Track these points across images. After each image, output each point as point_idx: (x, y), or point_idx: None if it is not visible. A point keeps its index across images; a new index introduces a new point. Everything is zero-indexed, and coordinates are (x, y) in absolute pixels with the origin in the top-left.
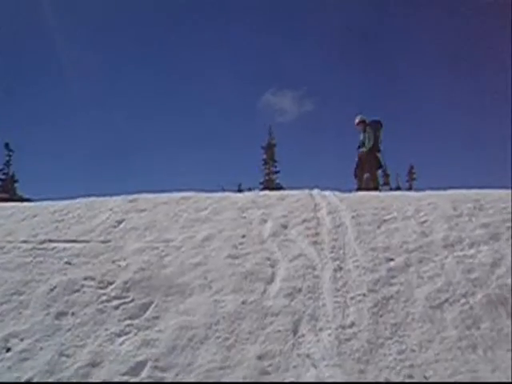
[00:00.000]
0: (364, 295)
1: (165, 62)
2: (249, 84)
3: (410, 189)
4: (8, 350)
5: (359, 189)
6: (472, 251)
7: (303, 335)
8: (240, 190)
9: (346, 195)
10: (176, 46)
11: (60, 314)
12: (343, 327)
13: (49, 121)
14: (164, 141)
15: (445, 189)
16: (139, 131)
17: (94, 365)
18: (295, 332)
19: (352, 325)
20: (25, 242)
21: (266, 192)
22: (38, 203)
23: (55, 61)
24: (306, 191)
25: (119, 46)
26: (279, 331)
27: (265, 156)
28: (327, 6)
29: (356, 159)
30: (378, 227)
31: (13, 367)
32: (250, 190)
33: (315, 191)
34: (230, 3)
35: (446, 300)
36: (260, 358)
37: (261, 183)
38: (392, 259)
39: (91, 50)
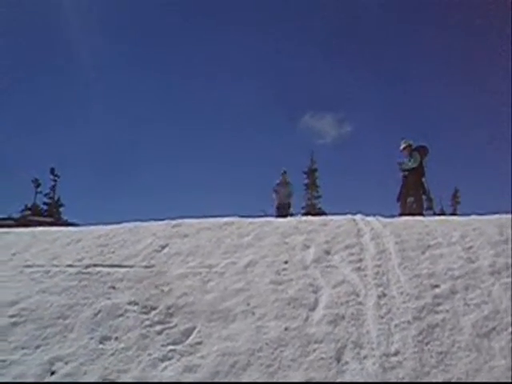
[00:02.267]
0: (409, 323)
1: (202, 87)
2: (287, 107)
3: (454, 213)
4: (52, 373)
5: (403, 214)
6: None
7: (347, 363)
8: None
9: (389, 220)
10: (211, 66)
11: (104, 339)
12: (387, 355)
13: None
14: (205, 163)
15: (490, 213)
16: (178, 152)
17: None
18: (339, 359)
19: (397, 353)
20: (70, 266)
21: (309, 217)
22: (82, 228)
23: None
24: (349, 216)
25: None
26: (322, 358)
27: (307, 181)
28: (357, 23)
29: (401, 183)
30: (423, 253)
31: None
32: (292, 215)
33: (358, 216)
34: (269, 24)
35: (494, 328)
36: None
37: (302, 208)
38: (437, 286)
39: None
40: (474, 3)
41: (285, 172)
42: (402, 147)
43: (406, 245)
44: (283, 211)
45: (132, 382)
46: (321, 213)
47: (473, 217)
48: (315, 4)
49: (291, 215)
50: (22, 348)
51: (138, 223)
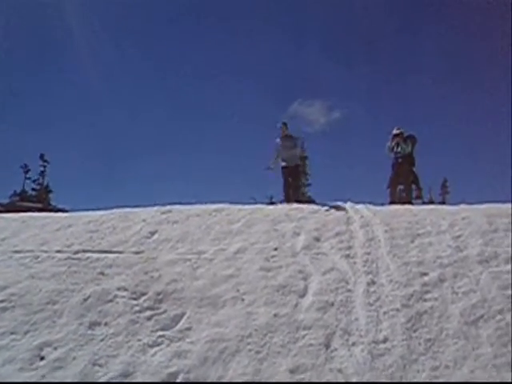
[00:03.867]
0: (397, 310)
1: (191, 72)
2: (276, 95)
3: (443, 203)
4: (42, 358)
5: (392, 201)
6: (508, 267)
7: (336, 349)
8: (272, 203)
9: (379, 208)
10: (198, 55)
11: (93, 324)
12: (376, 342)
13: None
14: (194, 149)
15: (479, 203)
16: (169, 139)
17: (126, 375)
18: (327, 346)
19: (385, 340)
20: (59, 251)
21: (299, 205)
22: (72, 214)
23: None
24: (340, 204)
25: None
26: (311, 345)
27: None
28: (355, 17)
29: (391, 170)
30: (412, 241)
31: (47, 376)
32: (281, 202)
33: (348, 204)
34: (255, 12)
35: (482, 316)
36: (292, 371)
37: None
38: (426, 274)
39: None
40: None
41: (285, 124)
42: (395, 132)
43: (396, 233)
44: (292, 176)
45: (132, 382)
46: (310, 201)
47: (462, 206)
48: None
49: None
50: (11, 333)
51: (127, 209)
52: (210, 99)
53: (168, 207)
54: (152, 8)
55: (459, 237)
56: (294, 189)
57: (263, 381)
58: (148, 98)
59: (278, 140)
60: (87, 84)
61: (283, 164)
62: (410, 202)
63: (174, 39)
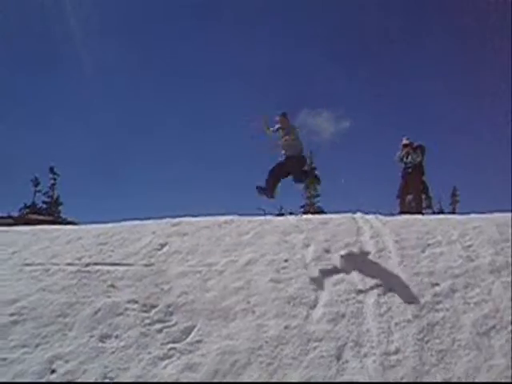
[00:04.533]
0: (409, 321)
1: (194, 83)
2: (281, 103)
3: (453, 212)
4: (53, 371)
5: (402, 211)
6: None
7: (347, 361)
8: (281, 214)
9: (388, 219)
10: (205, 64)
11: (104, 337)
12: (388, 354)
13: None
14: (203, 163)
15: (490, 212)
16: (174, 148)
17: None
18: (339, 358)
19: (397, 351)
20: (70, 264)
21: (309, 216)
22: (82, 226)
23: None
24: (349, 215)
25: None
26: (323, 357)
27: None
28: (358, 24)
29: (401, 180)
30: (422, 251)
31: None
32: (291, 213)
33: (358, 215)
34: (257, 18)
35: (494, 327)
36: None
37: (301, 207)
38: (437, 284)
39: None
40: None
41: (284, 115)
42: (404, 142)
43: (406, 243)
44: (300, 166)
45: (131, 382)
46: (320, 211)
47: (472, 215)
48: (314, 2)
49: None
50: (22, 346)
51: (137, 222)
52: (212, 106)
53: (177, 219)
54: (152, 6)
55: (470, 246)
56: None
57: None
58: (150, 103)
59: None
60: (87, 86)
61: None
62: (420, 212)
63: (176, 42)
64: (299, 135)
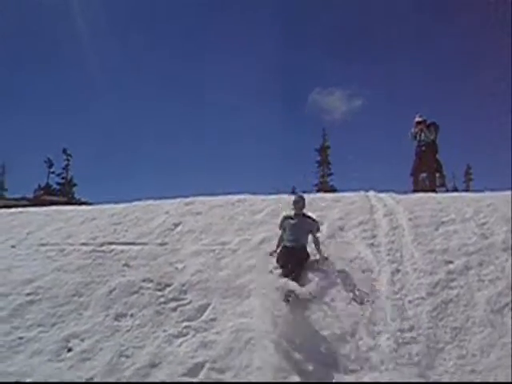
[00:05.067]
0: (423, 298)
1: (208, 67)
2: (293, 83)
3: (467, 190)
4: (69, 350)
5: (415, 189)
6: None
7: (361, 339)
8: (294, 193)
9: (402, 197)
10: (215, 45)
11: (119, 316)
12: (402, 331)
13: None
14: (218, 143)
15: (504, 189)
16: (191, 132)
17: (152, 366)
18: (353, 335)
19: (411, 329)
20: (84, 244)
21: (322, 194)
22: (96, 206)
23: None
24: (362, 193)
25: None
26: (337, 334)
27: (319, 158)
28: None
29: (414, 158)
30: (436, 229)
31: (74, 366)
32: (304, 192)
33: (371, 193)
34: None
35: (507, 304)
36: (317, 361)
37: (314, 185)
38: (451, 262)
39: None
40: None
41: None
42: (417, 120)
43: (420, 221)
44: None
45: (130, 382)
46: (333, 190)
47: (486, 193)
48: None
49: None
50: (39, 325)
51: (150, 202)
52: (229, 89)
53: (191, 198)
54: (158, 6)
55: (484, 224)
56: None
57: (288, 370)
58: (161, 90)
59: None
60: (92, 78)
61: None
62: (433, 190)
63: (184, 32)
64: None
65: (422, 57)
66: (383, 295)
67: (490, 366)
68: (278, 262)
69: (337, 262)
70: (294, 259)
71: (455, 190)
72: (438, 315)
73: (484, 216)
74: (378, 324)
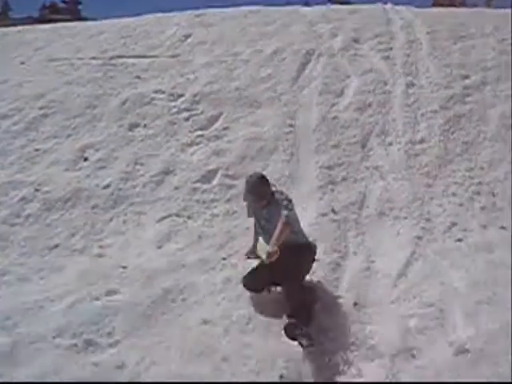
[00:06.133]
0: (436, 112)
1: None
2: None
3: (488, 6)
4: (85, 159)
5: (436, 4)
6: None
7: (372, 148)
8: (307, 4)
9: (420, 10)
10: None
11: (132, 126)
12: (413, 142)
13: None
14: None
15: None
16: None
17: (167, 173)
18: (364, 145)
19: (422, 141)
20: (94, 58)
21: (336, 6)
22: (103, 21)
23: None
24: (379, 5)
25: None
26: (348, 144)
27: None
28: None
29: None
30: (454, 43)
31: (91, 175)
32: (317, 4)
33: (388, 5)
34: None
35: None
36: (329, 168)
37: None
38: (467, 77)
39: None
40: None
41: None
42: None
43: (438, 35)
44: None
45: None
46: (347, 2)
47: (508, 10)
48: None
49: None
50: (54, 137)
51: (159, 14)
52: None
53: (201, 10)
54: None
55: (504, 40)
56: None
57: (299, 177)
58: None
59: None
60: None
61: None
62: (453, 5)
63: None
64: None
65: None
66: (396, 107)
67: (498, 179)
68: None
69: (350, 74)
70: None
71: (475, 5)
72: (450, 129)
73: (504, 32)
74: (390, 135)
